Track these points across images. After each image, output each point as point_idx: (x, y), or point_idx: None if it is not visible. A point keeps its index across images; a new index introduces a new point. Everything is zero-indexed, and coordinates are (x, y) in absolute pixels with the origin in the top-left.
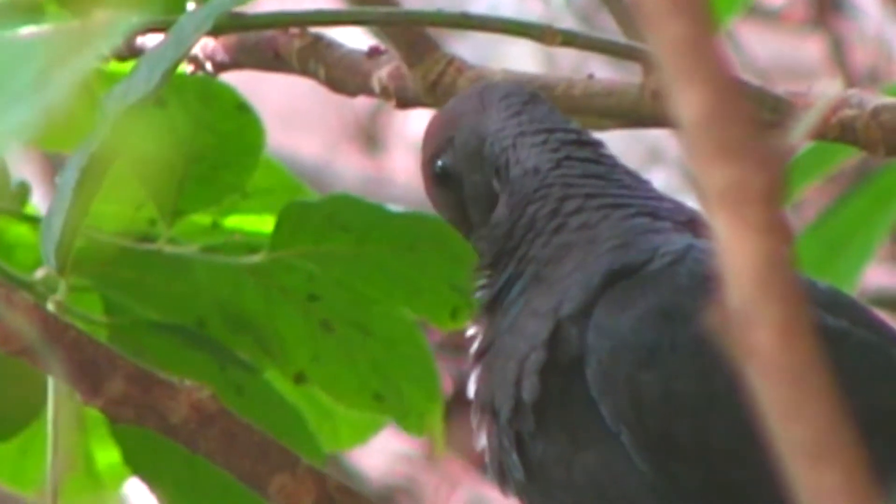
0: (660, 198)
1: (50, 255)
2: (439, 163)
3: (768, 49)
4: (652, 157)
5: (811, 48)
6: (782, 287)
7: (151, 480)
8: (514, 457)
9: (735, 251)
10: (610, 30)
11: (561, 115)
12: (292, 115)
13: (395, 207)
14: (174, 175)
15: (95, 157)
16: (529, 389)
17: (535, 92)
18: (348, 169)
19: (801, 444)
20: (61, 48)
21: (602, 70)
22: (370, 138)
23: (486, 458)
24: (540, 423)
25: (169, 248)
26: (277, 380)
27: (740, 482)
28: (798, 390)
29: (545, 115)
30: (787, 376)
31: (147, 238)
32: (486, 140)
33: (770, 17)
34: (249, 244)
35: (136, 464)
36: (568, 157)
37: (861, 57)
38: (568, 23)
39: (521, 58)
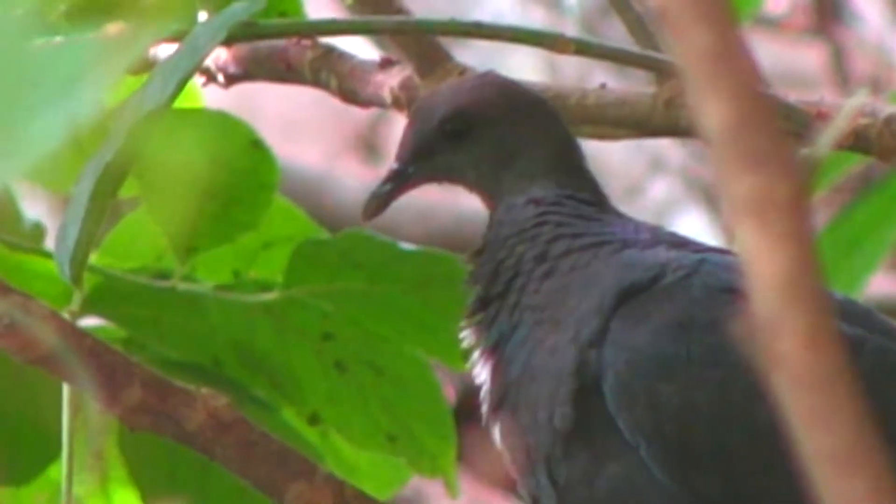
0: (649, 228)
1: (64, 265)
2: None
3: (769, 56)
4: (654, 167)
5: (812, 56)
6: (808, 296)
7: None
8: (544, 481)
9: (761, 260)
10: (614, 37)
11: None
12: (293, 125)
13: (408, 246)
14: (188, 212)
15: (110, 167)
16: (561, 418)
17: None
18: (349, 178)
19: (828, 452)
20: (87, 58)
21: (606, 78)
22: (370, 148)
23: None
24: (567, 447)
25: (183, 286)
26: (296, 420)
27: (759, 490)
28: (824, 398)
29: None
30: (814, 384)
31: (162, 276)
32: (523, 136)
33: (771, 25)
34: (263, 282)
35: (144, 483)
36: (568, 196)
37: (861, 65)
38: (571, 30)
39: (523, 65)
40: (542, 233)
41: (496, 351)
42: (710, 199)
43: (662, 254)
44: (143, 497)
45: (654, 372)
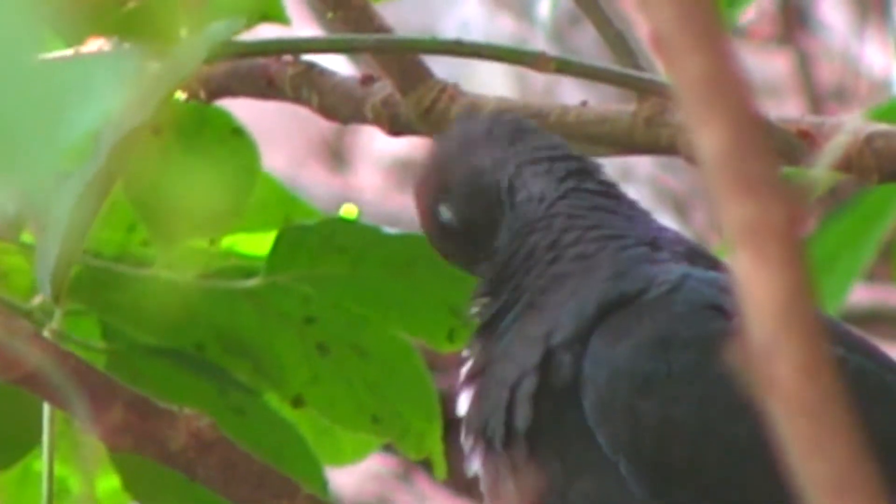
0: (659, 228)
1: (45, 284)
2: (442, 213)
3: None
4: (623, 176)
5: (777, 64)
6: (803, 322)
7: None
8: (510, 485)
9: (756, 286)
10: (583, 45)
11: (559, 140)
12: (257, 132)
13: (390, 229)
14: (170, 202)
15: (91, 185)
16: (522, 416)
17: (518, 118)
18: (315, 186)
19: (823, 478)
20: (91, 74)
21: (575, 90)
22: (336, 155)
23: (481, 485)
24: (533, 451)
25: (165, 274)
26: (275, 401)
27: None
28: (819, 424)
29: (546, 143)
30: (808, 410)
31: (142, 263)
32: (484, 175)
33: (737, 34)
34: (245, 268)
35: (136, 490)
36: (574, 188)
37: (827, 74)
38: (540, 39)
39: (491, 77)
40: (555, 224)
41: (491, 326)
42: (679, 207)
43: (667, 264)
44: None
45: (635, 387)
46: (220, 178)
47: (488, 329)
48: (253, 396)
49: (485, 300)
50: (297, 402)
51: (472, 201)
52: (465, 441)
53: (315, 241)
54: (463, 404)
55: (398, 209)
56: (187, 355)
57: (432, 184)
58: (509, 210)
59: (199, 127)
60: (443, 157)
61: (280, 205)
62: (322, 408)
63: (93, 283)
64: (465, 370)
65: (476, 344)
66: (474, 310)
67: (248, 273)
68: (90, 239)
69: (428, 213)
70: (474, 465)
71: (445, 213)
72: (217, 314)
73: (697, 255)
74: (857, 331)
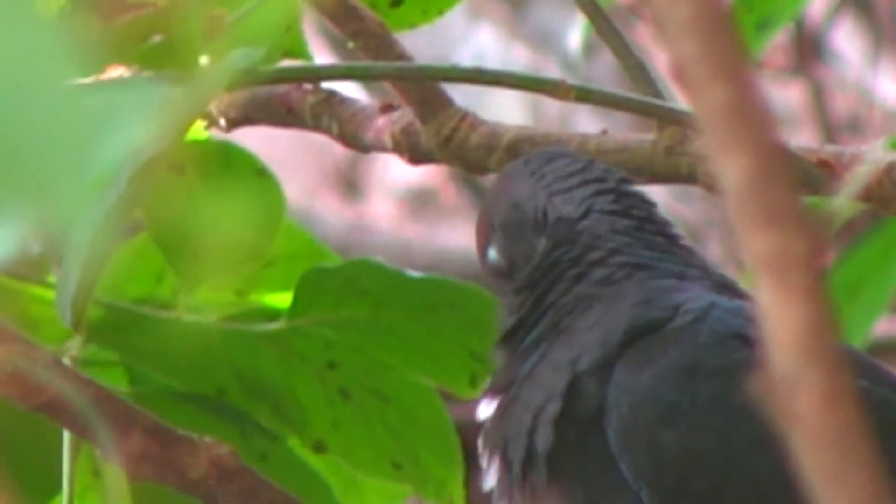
0: (687, 262)
1: (65, 311)
2: (490, 253)
3: None
4: None
5: (791, 95)
6: (825, 354)
7: None
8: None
9: (778, 318)
10: (597, 79)
11: (591, 162)
12: (271, 162)
13: (414, 273)
14: (194, 244)
15: (112, 212)
16: (543, 440)
17: (558, 151)
18: (329, 215)
19: None
20: (111, 103)
21: (589, 118)
22: (350, 184)
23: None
24: (553, 476)
25: (188, 317)
26: (300, 448)
27: None
28: (841, 456)
29: (577, 166)
30: (831, 442)
31: (166, 306)
32: (521, 204)
33: (751, 64)
34: (268, 311)
35: None
36: (600, 210)
37: (841, 104)
38: (554, 71)
39: (506, 106)
40: (581, 240)
41: (513, 339)
42: (693, 237)
43: (693, 292)
44: None
45: (658, 416)
46: (244, 220)
47: (511, 340)
48: (276, 442)
49: (510, 310)
50: (319, 448)
51: (512, 235)
52: (482, 454)
53: (337, 283)
54: (484, 412)
55: (412, 238)
56: (210, 400)
57: (482, 227)
58: (542, 232)
59: (224, 167)
60: (489, 198)
61: (308, 258)
62: (343, 453)
63: (116, 327)
64: (488, 383)
65: (500, 355)
66: (500, 320)
67: (271, 316)
68: (116, 287)
69: (481, 256)
70: (490, 481)
71: (493, 253)
72: (239, 357)
73: (723, 287)
74: (881, 363)
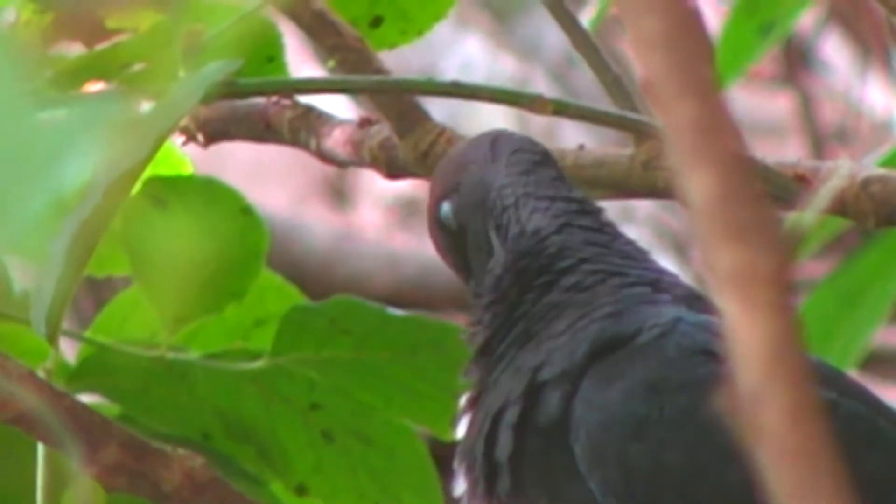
0: (659, 270)
1: (40, 322)
2: (444, 207)
3: (737, 105)
4: (623, 215)
5: (780, 104)
6: (791, 368)
7: None
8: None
9: (744, 332)
10: (583, 89)
11: (567, 182)
12: (259, 170)
13: (396, 312)
14: (176, 280)
15: (86, 224)
16: (502, 447)
17: (547, 151)
18: (317, 225)
19: None
20: (76, 129)
21: (575, 132)
22: (338, 193)
23: None
24: (517, 484)
25: (171, 355)
26: (283, 493)
27: None
28: (807, 471)
29: (552, 180)
30: (797, 457)
31: (149, 345)
32: (491, 192)
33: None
34: (250, 350)
35: None
36: (569, 224)
37: (829, 114)
38: (539, 80)
39: (492, 117)
40: (547, 251)
41: (487, 350)
42: (679, 248)
43: (663, 306)
44: None
45: (627, 432)
46: (226, 258)
47: (484, 354)
48: (260, 486)
49: (478, 321)
50: (301, 491)
51: (471, 211)
52: (457, 463)
53: (320, 322)
54: (461, 430)
55: (399, 248)
56: (194, 444)
57: (446, 178)
58: (502, 239)
59: (208, 204)
60: (465, 157)
61: (282, 302)
62: (325, 497)
63: (102, 367)
64: (465, 395)
65: (473, 370)
66: (469, 332)
67: (254, 355)
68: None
69: (434, 203)
70: (459, 488)
71: (447, 209)
72: (222, 398)
73: (695, 299)
74: (850, 375)
